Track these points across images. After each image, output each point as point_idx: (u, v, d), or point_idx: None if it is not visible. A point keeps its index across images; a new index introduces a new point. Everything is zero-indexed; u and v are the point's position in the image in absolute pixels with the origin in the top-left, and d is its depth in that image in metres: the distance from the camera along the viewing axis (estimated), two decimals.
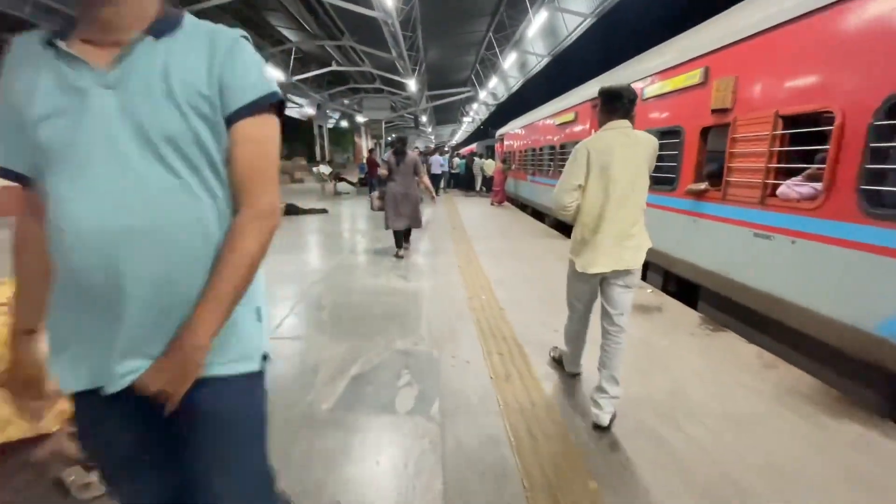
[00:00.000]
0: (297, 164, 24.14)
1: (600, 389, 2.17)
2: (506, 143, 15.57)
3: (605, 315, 2.22)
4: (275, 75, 11.77)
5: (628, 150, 2.04)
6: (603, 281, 2.21)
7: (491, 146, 21.67)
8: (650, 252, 2.23)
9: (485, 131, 32.79)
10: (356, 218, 10.03)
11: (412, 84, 12.02)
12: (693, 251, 4.31)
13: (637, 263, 2.13)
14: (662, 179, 4.82)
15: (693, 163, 4.35)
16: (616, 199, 2.05)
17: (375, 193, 6.87)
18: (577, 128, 7.83)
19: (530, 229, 8.66)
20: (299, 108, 21.46)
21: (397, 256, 5.86)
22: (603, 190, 2.05)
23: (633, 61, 5.90)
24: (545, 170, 10.01)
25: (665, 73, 4.81)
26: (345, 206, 12.08)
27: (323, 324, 3.51)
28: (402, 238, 5.94)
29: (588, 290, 2.32)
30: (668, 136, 4.73)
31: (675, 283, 4.87)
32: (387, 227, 5.81)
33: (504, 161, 13.11)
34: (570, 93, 8.76)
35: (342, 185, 16.15)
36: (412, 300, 4.10)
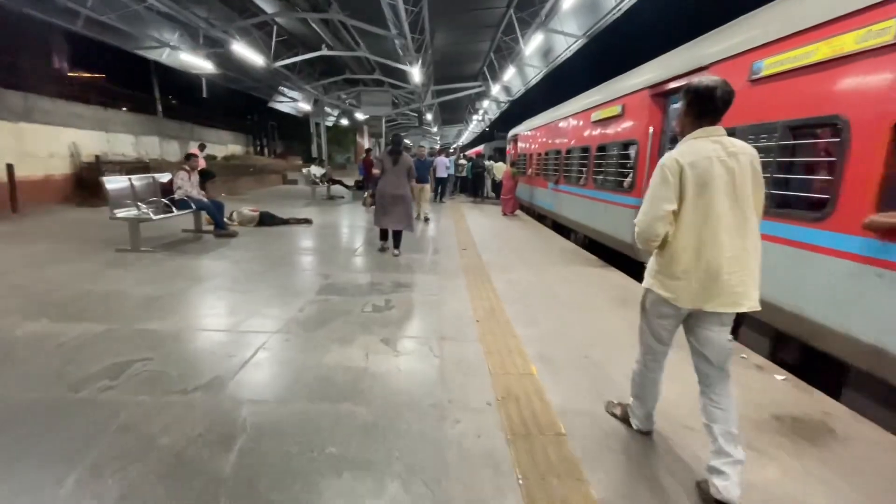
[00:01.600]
0: (291, 163, 22.54)
1: (720, 453, 1.73)
2: (520, 144, 13.86)
3: (703, 360, 1.84)
4: (251, 58, 10.12)
5: (730, 163, 1.68)
6: (691, 317, 1.84)
7: (501, 148, 19.99)
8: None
9: (490, 134, 31.18)
10: (346, 232, 8.32)
11: (416, 73, 10.34)
12: (863, 321, 2.61)
13: (747, 303, 1.72)
14: (798, 202, 3.12)
15: (874, 176, 2.63)
16: (722, 222, 1.68)
17: (368, 192, 6.75)
18: (625, 125, 6.11)
19: (559, 251, 6.94)
20: (293, 103, 19.84)
21: (381, 250, 6.08)
22: (702, 216, 1.69)
23: (741, 21, 4.12)
24: (575, 177, 8.29)
25: (820, 29, 3.07)
26: (335, 215, 10.40)
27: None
28: (387, 234, 6.06)
29: (673, 325, 1.90)
30: (810, 130, 3.04)
31: (795, 352, 3.23)
32: (375, 224, 5.99)
33: (513, 164, 11.35)
34: (613, 81, 7.04)
35: (336, 189, 14.51)
36: (398, 412, 2.37)
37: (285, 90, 18.05)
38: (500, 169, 14.31)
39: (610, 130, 6.66)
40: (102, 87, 14.47)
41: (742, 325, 3.71)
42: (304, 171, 13.64)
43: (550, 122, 10.20)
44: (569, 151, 8.86)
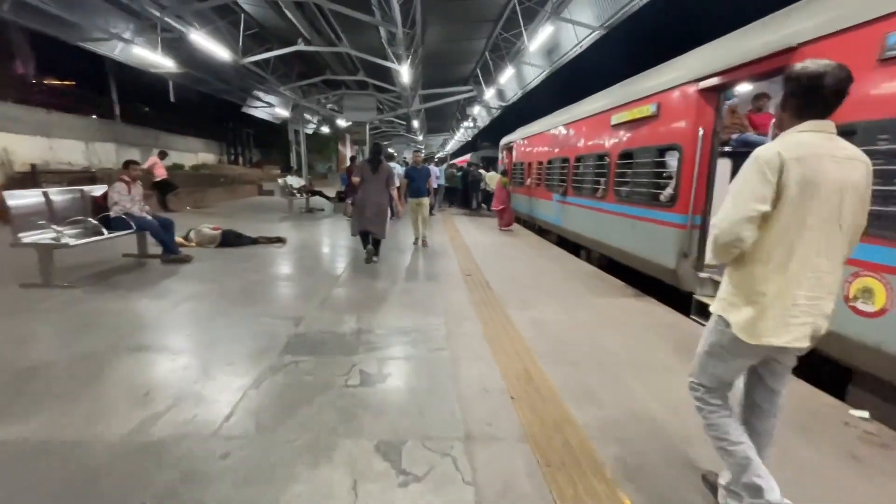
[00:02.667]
0: (268, 173, 21.16)
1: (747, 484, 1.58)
2: (518, 152, 12.91)
3: (764, 390, 1.68)
4: (215, 52, 8.86)
5: (843, 165, 1.43)
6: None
7: (489, 157, 19.04)
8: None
9: (473, 143, 30.22)
10: (326, 253, 7.11)
11: (405, 73, 9.22)
12: None
13: (816, 338, 1.51)
14: None
15: None
16: (819, 237, 1.44)
17: (350, 200, 6.67)
18: (662, 127, 5.14)
19: (579, 276, 5.88)
20: (269, 109, 18.53)
21: (367, 261, 5.92)
22: (799, 224, 1.43)
23: None
24: (588, 188, 7.30)
25: None
26: (314, 231, 9.17)
27: None
28: (368, 242, 5.98)
29: (747, 364, 1.66)
30: None
31: None
32: (352, 233, 6.08)
33: (504, 174, 10.27)
34: (640, 77, 6.10)
35: (316, 200, 13.28)
36: None
37: (260, 94, 16.75)
38: (492, 179, 13.32)
39: (638, 134, 5.68)
40: (46, 86, 12.94)
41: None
42: (280, 181, 12.37)
43: (555, 127, 9.24)
44: (579, 159, 7.89)
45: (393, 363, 2.97)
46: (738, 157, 4.68)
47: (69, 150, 10.73)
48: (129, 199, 5.31)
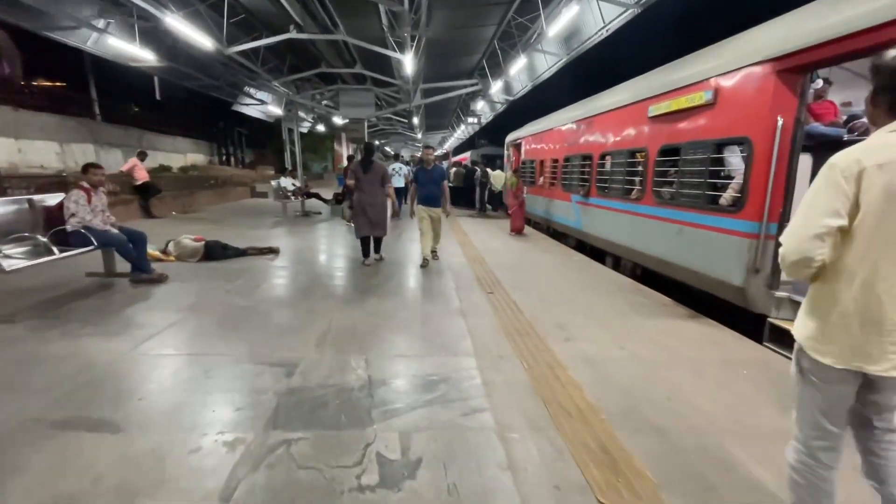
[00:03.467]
0: (262, 173, 20.25)
1: None
2: (527, 148, 12.10)
3: (869, 428, 1.45)
4: (196, 40, 7.96)
5: None
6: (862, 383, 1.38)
7: (490, 156, 18.21)
8: None
9: (472, 141, 29.33)
10: (324, 263, 6.30)
11: (408, 63, 8.37)
12: None
13: None
14: None
15: None
16: None
17: (347, 203, 6.73)
18: (722, 116, 4.35)
19: (619, 293, 5.11)
20: (262, 107, 17.63)
21: (364, 265, 5.84)
22: (885, 239, 1.25)
23: None
24: (618, 189, 6.51)
25: None
26: (311, 237, 8.35)
27: None
28: (368, 246, 5.92)
29: (846, 397, 1.39)
30: None
31: None
32: (356, 236, 5.95)
33: (515, 172, 9.36)
34: (687, 59, 5.31)
35: (312, 203, 12.45)
36: None
37: (251, 91, 15.84)
38: (498, 178, 12.51)
39: (686, 126, 4.89)
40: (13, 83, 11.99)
41: None
42: (273, 183, 11.52)
43: (575, 120, 8.44)
44: (604, 156, 7.11)
45: (420, 440, 2.17)
46: (820, 152, 3.91)
47: (41, 153, 9.85)
48: (88, 210, 4.46)
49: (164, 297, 4.38)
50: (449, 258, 6.51)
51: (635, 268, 6.32)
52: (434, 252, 6.24)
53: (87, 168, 4.63)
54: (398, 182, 10.47)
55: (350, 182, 5.86)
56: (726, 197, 4.26)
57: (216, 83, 12.99)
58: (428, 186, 5.88)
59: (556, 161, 9.54)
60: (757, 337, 3.77)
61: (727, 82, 4.26)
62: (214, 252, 5.91)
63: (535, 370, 2.94)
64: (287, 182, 11.67)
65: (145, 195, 9.83)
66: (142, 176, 9.76)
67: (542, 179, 10.33)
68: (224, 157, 22.99)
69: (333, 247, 7.49)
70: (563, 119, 9.12)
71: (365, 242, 5.86)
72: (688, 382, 2.84)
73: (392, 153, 21.99)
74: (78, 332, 3.38)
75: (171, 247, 5.88)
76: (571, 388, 2.71)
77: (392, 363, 3.02)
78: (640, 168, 5.93)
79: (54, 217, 4.41)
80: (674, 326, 3.94)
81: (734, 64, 4.16)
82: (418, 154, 26.88)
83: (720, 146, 4.36)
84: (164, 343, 3.25)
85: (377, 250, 6.04)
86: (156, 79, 14.74)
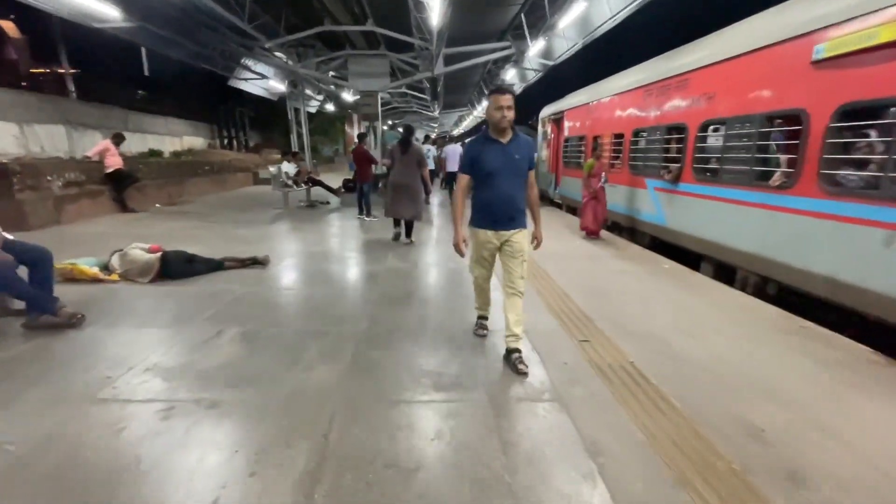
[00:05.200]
0: (266, 158, 18.54)
1: None
2: (572, 123, 10.08)
3: None
4: None
5: None
6: None
7: None
8: None
9: (483, 123, 26.74)
10: (335, 279, 4.54)
11: (435, 9, 6.40)
12: None
13: None
14: None
15: None
16: None
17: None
18: None
19: (779, 334, 3.29)
20: (264, 83, 15.78)
21: (394, 239, 6.04)
22: None
23: None
24: (739, 171, 4.61)
25: None
26: (316, 237, 6.62)
27: None
28: (401, 224, 6.02)
29: None
30: None
31: None
32: (386, 215, 6.14)
33: (593, 152, 7.24)
34: None
35: (320, 191, 10.75)
36: None
37: (249, 63, 14.00)
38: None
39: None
40: None
41: None
42: (273, 169, 9.79)
43: (654, 80, 6.43)
44: (705, 127, 5.20)
45: None
46: None
47: None
48: None
49: (66, 358, 2.71)
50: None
51: (764, 284, 4.47)
52: (514, 342, 2.69)
53: None
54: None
55: (385, 162, 6.08)
56: None
57: (205, 51, 11.20)
58: (497, 180, 2.64)
59: (619, 137, 7.58)
60: None
61: None
62: (174, 267, 4.23)
63: None
64: (290, 167, 9.95)
65: (118, 185, 8.20)
66: (113, 162, 8.11)
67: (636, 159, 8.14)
68: (226, 141, 21.33)
69: (346, 248, 5.80)
70: (634, 81, 7.12)
71: (397, 223, 6.09)
72: None
73: (429, 135, 20.05)
74: None
75: (114, 261, 4.21)
76: None
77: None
78: (789, 142, 4.02)
79: None
80: None
81: None
82: (433, 134, 22.34)
83: None
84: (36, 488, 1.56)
85: (408, 234, 6.05)
86: (143, 50, 12.97)
